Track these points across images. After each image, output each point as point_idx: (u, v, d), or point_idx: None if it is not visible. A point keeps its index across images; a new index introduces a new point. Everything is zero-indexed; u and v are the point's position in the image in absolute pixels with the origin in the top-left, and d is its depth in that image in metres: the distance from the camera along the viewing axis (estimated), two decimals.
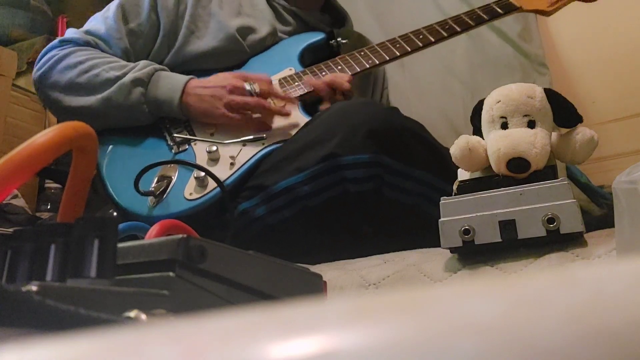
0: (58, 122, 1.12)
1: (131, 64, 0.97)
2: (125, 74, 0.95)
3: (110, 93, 0.94)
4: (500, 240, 0.52)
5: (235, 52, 1.05)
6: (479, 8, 1.09)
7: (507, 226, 0.52)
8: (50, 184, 1.59)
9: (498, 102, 0.57)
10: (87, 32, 1.04)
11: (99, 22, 1.05)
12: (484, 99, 0.60)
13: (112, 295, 0.25)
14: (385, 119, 0.85)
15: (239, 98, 0.93)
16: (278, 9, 1.14)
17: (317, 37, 1.12)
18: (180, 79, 0.96)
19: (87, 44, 1.02)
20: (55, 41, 1.03)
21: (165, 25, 1.05)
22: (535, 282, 0.12)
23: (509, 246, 0.53)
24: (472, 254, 0.55)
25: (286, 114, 0.95)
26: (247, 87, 0.94)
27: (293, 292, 0.34)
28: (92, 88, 0.95)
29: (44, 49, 1.03)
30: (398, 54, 1.04)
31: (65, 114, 1.01)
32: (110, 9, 1.05)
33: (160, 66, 0.98)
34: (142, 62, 0.98)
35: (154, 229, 0.35)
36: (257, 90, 0.93)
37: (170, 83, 0.95)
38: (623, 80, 1.46)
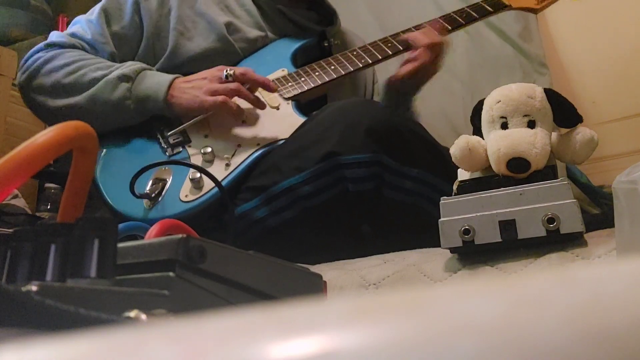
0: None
1: (118, 64, 0.97)
2: (111, 72, 0.95)
3: (96, 89, 0.94)
4: (500, 240, 0.52)
5: (227, 54, 1.04)
6: (468, 6, 1.11)
7: (507, 226, 0.52)
8: (50, 184, 1.59)
9: (498, 102, 0.57)
10: (73, 36, 1.04)
11: (83, 25, 1.05)
12: (484, 99, 0.60)
13: (112, 295, 0.25)
14: (384, 118, 0.85)
15: (216, 85, 0.93)
16: (264, 8, 1.13)
17: (308, 38, 1.12)
18: (166, 76, 0.96)
19: (72, 46, 1.01)
20: (40, 45, 1.03)
21: (148, 27, 1.04)
22: (535, 282, 0.12)
23: (509, 246, 0.53)
24: (472, 254, 0.55)
25: (260, 105, 0.95)
26: (224, 73, 0.94)
27: (293, 292, 0.34)
28: (79, 88, 0.95)
29: (28, 53, 1.02)
30: (390, 52, 1.05)
31: (51, 116, 1.00)
32: (94, 12, 1.05)
33: (148, 66, 0.98)
34: (130, 62, 0.98)
35: (153, 229, 0.35)
36: (231, 72, 0.94)
37: (156, 80, 0.95)
38: (623, 80, 1.46)
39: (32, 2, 1.83)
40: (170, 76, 0.95)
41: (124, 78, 0.94)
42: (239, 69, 0.95)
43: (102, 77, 0.94)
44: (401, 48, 1.05)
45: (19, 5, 1.81)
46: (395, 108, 1.12)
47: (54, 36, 1.04)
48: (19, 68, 1.02)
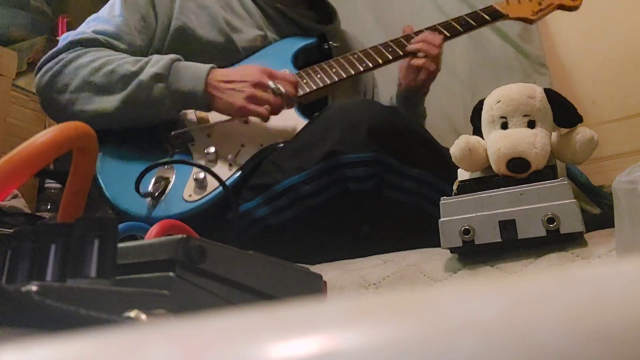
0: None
1: (144, 59, 0.94)
2: (141, 69, 0.91)
3: (131, 91, 0.90)
4: (500, 240, 0.52)
5: (228, 51, 1.04)
6: (467, 15, 1.14)
7: (507, 226, 0.52)
8: (50, 184, 1.59)
9: (498, 102, 0.57)
10: (95, 32, 1.00)
11: (104, 21, 1.02)
12: (484, 99, 0.61)
13: (112, 295, 0.25)
14: (385, 117, 0.85)
15: (261, 94, 0.90)
16: (264, 8, 1.13)
17: (309, 40, 1.13)
18: (201, 68, 0.92)
19: (96, 42, 0.98)
20: (64, 43, 0.98)
21: (163, 20, 1.04)
22: (535, 282, 0.12)
23: (509, 246, 0.53)
24: (472, 254, 0.55)
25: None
26: (272, 85, 0.91)
27: (293, 292, 0.34)
28: (109, 86, 0.91)
29: (50, 53, 0.98)
30: (391, 57, 1.07)
31: (78, 118, 0.97)
32: (115, 6, 1.03)
33: (175, 56, 0.94)
34: (155, 56, 0.94)
35: (153, 229, 0.35)
36: (283, 91, 0.91)
37: (192, 73, 0.91)
38: (623, 80, 1.46)
39: (32, 3, 1.83)
40: (205, 68, 0.92)
41: (158, 77, 0.90)
42: (288, 87, 0.92)
43: (132, 75, 0.91)
44: (401, 53, 1.08)
45: (19, 5, 1.81)
46: (409, 111, 1.16)
47: (76, 34, 1.00)
48: (36, 72, 0.97)
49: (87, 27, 1.03)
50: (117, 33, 1.00)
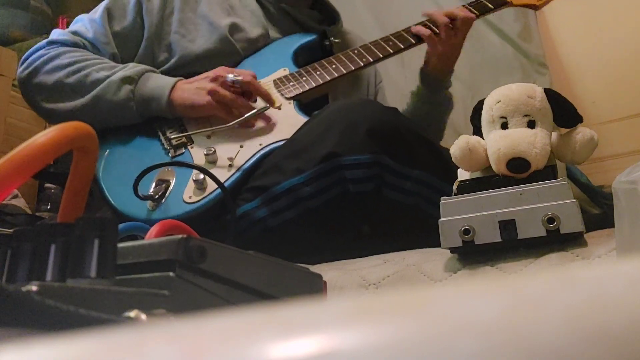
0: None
1: (121, 65, 0.98)
2: (114, 73, 0.95)
3: (99, 90, 0.94)
4: (500, 240, 0.52)
5: (229, 54, 1.05)
6: (469, 4, 1.11)
7: (507, 226, 0.52)
8: (50, 184, 1.59)
9: (498, 102, 0.57)
10: (75, 34, 1.04)
11: (85, 24, 1.05)
12: (484, 99, 0.61)
13: (112, 295, 0.25)
14: (385, 118, 0.84)
15: (221, 89, 0.94)
16: (268, 7, 1.14)
17: (309, 37, 1.12)
18: (169, 79, 0.97)
19: (75, 45, 1.02)
20: (43, 42, 1.03)
21: (149, 28, 1.05)
22: (535, 282, 0.12)
23: (509, 246, 0.53)
24: (472, 254, 0.55)
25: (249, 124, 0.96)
26: (231, 76, 0.95)
27: (293, 292, 0.34)
28: (82, 89, 0.95)
29: (30, 49, 1.02)
30: (391, 51, 1.05)
31: (48, 114, 1.01)
32: (97, 11, 1.05)
33: (151, 67, 0.99)
34: (132, 63, 0.99)
35: (154, 229, 0.35)
36: (240, 79, 0.95)
37: (160, 82, 0.96)
38: (623, 81, 1.46)
39: (32, 3, 1.84)
40: (173, 79, 0.96)
41: (127, 80, 0.94)
42: (245, 77, 0.96)
43: (105, 79, 0.94)
44: (402, 47, 1.06)
45: (19, 6, 1.81)
46: (433, 95, 1.15)
47: (56, 34, 1.04)
48: (20, 63, 1.02)
49: (72, 26, 1.07)
50: (94, 41, 1.03)
